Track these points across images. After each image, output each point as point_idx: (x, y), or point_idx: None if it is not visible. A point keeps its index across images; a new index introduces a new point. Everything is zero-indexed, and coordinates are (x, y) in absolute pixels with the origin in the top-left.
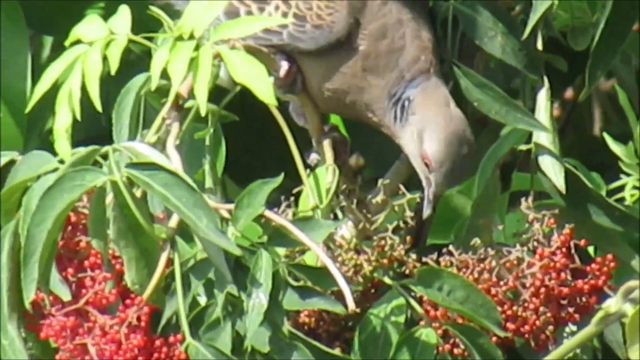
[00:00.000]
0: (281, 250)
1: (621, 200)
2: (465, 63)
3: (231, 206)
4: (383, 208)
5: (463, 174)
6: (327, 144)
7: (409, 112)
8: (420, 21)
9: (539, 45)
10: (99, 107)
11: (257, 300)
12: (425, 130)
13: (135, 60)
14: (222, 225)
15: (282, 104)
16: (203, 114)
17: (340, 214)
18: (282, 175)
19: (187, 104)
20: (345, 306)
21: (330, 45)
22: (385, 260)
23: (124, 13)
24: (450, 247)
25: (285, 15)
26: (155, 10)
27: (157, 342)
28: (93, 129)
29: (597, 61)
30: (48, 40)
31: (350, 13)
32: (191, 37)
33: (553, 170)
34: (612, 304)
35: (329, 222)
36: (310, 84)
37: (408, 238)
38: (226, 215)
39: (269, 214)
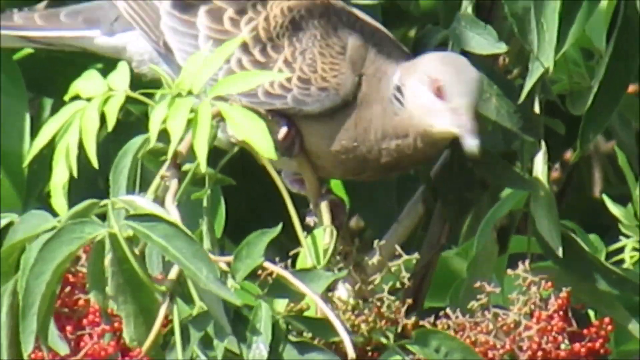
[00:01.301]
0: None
1: (621, 262)
2: None
3: (230, 258)
4: (380, 269)
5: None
6: (324, 205)
7: (402, 83)
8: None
9: (537, 108)
10: (95, 164)
11: (258, 351)
12: (418, 68)
13: (135, 122)
14: (222, 278)
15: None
16: (203, 170)
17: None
18: (280, 226)
19: (185, 167)
20: (346, 357)
21: (335, 106)
22: (383, 322)
23: (122, 69)
24: (447, 310)
25: (289, 79)
26: (154, 67)
27: None
28: (90, 192)
29: (590, 123)
30: (48, 103)
31: (354, 71)
32: (189, 93)
33: (550, 233)
34: None
35: (329, 274)
36: (314, 147)
37: (406, 300)
38: (225, 267)
39: (268, 264)
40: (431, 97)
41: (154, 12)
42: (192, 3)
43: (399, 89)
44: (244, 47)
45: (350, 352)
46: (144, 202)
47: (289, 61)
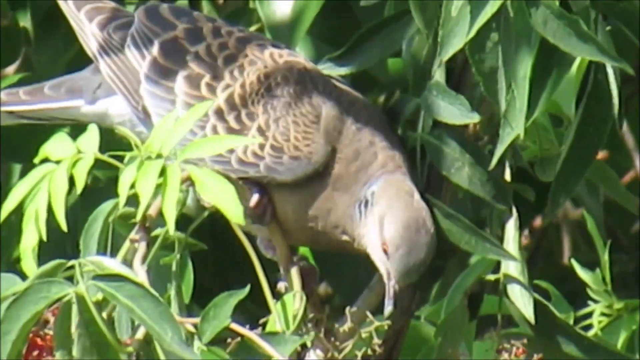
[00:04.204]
0: None
1: (589, 327)
2: (434, 192)
3: (197, 320)
4: (351, 336)
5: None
6: (294, 271)
7: (371, 204)
8: (395, 144)
9: (507, 176)
10: (64, 226)
11: None
12: (385, 215)
13: (103, 188)
14: (189, 340)
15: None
16: (172, 232)
17: (308, 343)
18: (247, 288)
19: (155, 232)
20: None
21: (307, 175)
22: None
23: (92, 132)
24: None
25: (262, 147)
26: (122, 129)
27: None
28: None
29: (560, 188)
30: (17, 168)
31: (328, 142)
32: (159, 156)
33: (522, 300)
34: None
35: (295, 337)
36: (283, 214)
37: None
38: (192, 329)
39: (235, 326)
40: (379, 245)
41: (135, 77)
42: (171, 68)
43: (366, 203)
44: (219, 114)
45: None
46: (112, 263)
47: (263, 129)
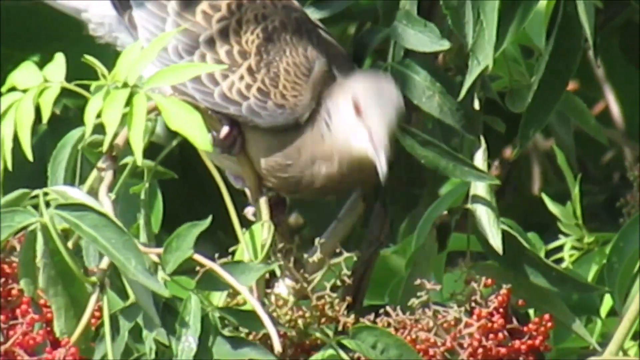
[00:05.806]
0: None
1: (560, 260)
2: (405, 121)
3: (160, 250)
4: (320, 267)
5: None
6: (263, 201)
7: (330, 107)
8: None
9: (476, 106)
10: (29, 156)
11: (187, 344)
12: (349, 82)
13: (72, 118)
14: (152, 270)
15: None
16: (139, 162)
17: (277, 272)
18: (210, 218)
19: (123, 161)
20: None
21: (287, 125)
22: (323, 320)
23: (59, 61)
24: (388, 308)
25: (249, 87)
26: (89, 58)
27: None
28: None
29: (530, 120)
30: None
31: (314, 98)
32: (125, 85)
33: (490, 231)
34: None
35: (259, 266)
36: (252, 155)
37: (346, 298)
38: (156, 259)
39: (197, 257)
40: (351, 114)
41: None
42: None
43: (328, 112)
44: (211, 44)
45: (276, 344)
46: (76, 193)
47: (253, 70)
